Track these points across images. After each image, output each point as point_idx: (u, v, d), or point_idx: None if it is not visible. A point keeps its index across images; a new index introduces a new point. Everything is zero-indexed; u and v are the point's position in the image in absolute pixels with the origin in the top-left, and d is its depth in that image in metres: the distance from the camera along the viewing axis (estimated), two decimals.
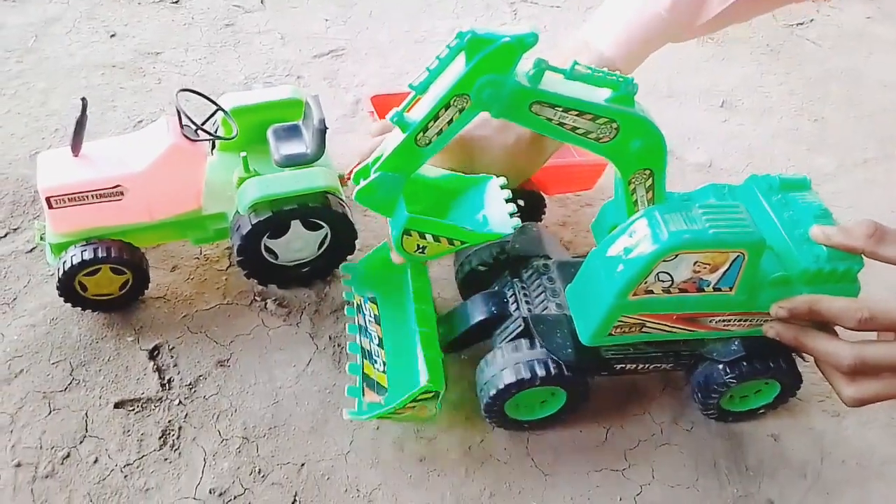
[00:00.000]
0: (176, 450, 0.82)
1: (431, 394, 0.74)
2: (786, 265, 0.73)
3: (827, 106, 1.39)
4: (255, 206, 0.87)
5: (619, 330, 0.73)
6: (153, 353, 0.90)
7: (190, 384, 0.87)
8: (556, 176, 1.02)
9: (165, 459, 0.81)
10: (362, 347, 0.80)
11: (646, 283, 0.69)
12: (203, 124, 0.88)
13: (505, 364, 0.77)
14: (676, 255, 0.66)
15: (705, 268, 0.68)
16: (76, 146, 0.86)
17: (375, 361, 0.80)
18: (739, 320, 0.74)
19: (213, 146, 0.96)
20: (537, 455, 0.83)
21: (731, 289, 0.70)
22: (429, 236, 0.73)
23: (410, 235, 0.72)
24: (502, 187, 0.79)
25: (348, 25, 1.49)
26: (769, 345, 0.74)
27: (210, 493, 0.78)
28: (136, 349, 0.90)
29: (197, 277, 0.99)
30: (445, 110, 0.64)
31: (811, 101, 1.40)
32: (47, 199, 0.85)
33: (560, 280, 0.83)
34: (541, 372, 0.76)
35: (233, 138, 0.91)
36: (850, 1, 1.68)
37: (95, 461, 0.80)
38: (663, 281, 0.69)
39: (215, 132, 0.93)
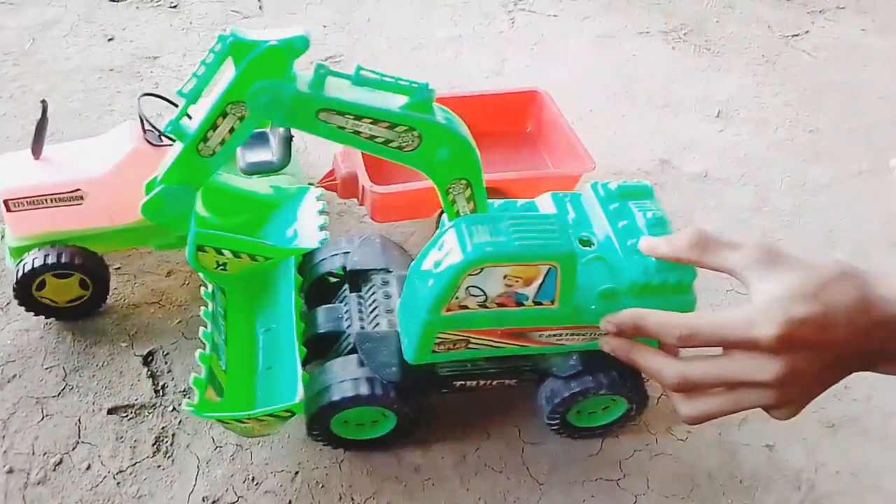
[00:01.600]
0: (169, 457, 0.81)
1: (289, 413, 0.71)
2: (616, 277, 0.69)
3: (822, 117, 1.40)
4: None
5: (442, 347, 0.70)
6: (147, 359, 0.90)
7: (184, 390, 0.87)
8: (528, 187, 1.01)
9: (159, 466, 0.80)
10: (213, 338, 0.76)
11: (457, 298, 0.65)
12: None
13: (330, 381, 0.74)
14: (482, 269, 0.63)
15: (517, 281, 0.65)
16: (37, 149, 0.86)
17: (220, 358, 0.76)
18: (571, 334, 0.71)
19: None
20: (532, 465, 0.83)
21: (552, 302, 0.67)
22: (226, 252, 0.70)
23: (206, 251, 0.70)
24: (318, 198, 0.77)
25: (346, 32, 1.49)
26: (610, 360, 0.63)
27: (203, 500, 0.78)
28: (130, 355, 0.90)
29: (192, 283, 0.98)
30: (223, 118, 0.61)
31: (806, 112, 1.41)
32: (5, 203, 0.84)
33: (397, 294, 0.80)
34: (364, 391, 0.72)
35: None
36: (846, 13, 1.69)
37: (88, 468, 0.80)
38: (476, 295, 0.65)
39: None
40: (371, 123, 0.61)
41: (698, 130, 1.34)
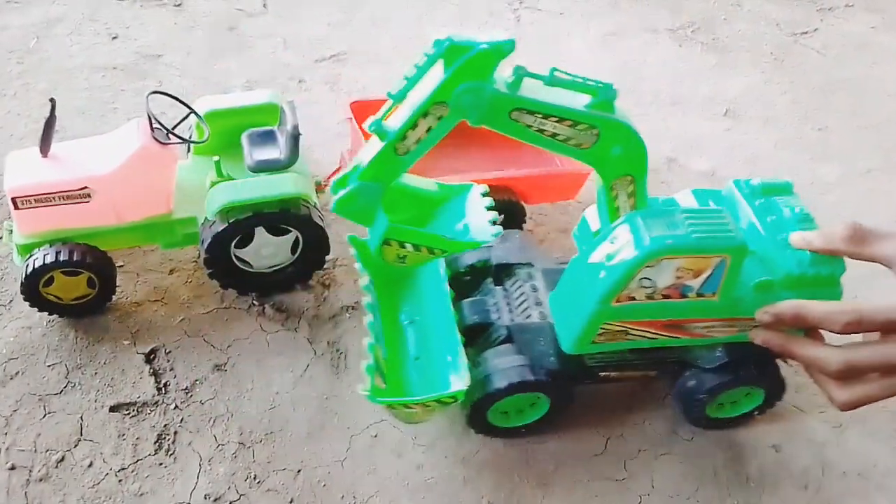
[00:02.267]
0: (171, 454, 0.81)
1: (452, 399, 0.73)
2: (769, 270, 0.72)
3: (831, 115, 1.39)
4: (224, 211, 0.86)
5: (602, 338, 0.72)
6: (150, 357, 0.89)
7: (186, 388, 0.87)
8: (537, 185, 1.01)
9: (160, 464, 0.80)
10: (376, 329, 0.78)
11: (628, 289, 0.68)
12: (175, 127, 0.88)
13: (491, 370, 0.76)
14: (659, 261, 0.66)
15: (688, 273, 0.67)
16: (45, 147, 0.86)
17: (382, 347, 0.79)
18: (724, 326, 0.73)
19: (189, 149, 0.95)
20: (536, 464, 0.82)
21: (714, 294, 0.70)
22: (409, 245, 0.72)
23: (390, 245, 0.72)
24: (483, 195, 0.79)
25: (351, 30, 1.49)
26: (753, 351, 0.71)
27: (205, 498, 0.78)
28: (133, 352, 0.90)
29: (195, 281, 0.98)
30: (424, 118, 0.63)
31: (815, 110, 1.40)
32: (13, 200, 0.84)
33: (544, 287, 0.83)
34: (527, 378, 0.75)
35: (203, 142, 0.91)
36: (855, 10, 1.67)
37: (90, 465, 0.79)
38: (646, 287, 0.68)
39: (189, 136, 0.92)
40: (556, 122, 0.64)
41: (705, 128, 1.33)
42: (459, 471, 0.81)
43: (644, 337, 0.73)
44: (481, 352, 0.79)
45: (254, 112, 0.97)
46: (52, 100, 0.85)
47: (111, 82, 1.30)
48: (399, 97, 0.63)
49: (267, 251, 0.92)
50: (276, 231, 0.90)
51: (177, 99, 0.90)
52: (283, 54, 1.40)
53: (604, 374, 0.80)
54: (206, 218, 0.88)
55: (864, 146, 1.32)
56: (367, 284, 0.81)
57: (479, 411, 0.78)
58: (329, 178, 1.02)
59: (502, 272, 0.86)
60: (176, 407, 0.85)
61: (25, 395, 0.85)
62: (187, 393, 0.86)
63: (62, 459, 0.79)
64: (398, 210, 0.76)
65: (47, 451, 0.80)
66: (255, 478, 0.79)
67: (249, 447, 0.82)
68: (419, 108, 0.62)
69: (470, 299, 0.84)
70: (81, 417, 0.83)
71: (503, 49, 0.60)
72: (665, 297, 0.69)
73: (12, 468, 0.78)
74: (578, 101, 0.64)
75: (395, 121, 0.64)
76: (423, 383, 0.77)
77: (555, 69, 0.63)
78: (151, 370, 0.88)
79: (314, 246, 0.93)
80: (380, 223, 0.70)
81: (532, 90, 0.63)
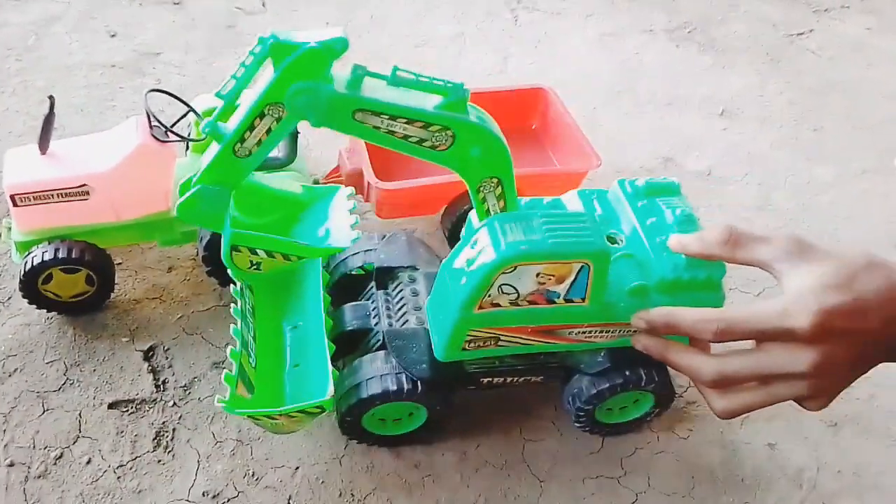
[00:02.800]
0: (169, 451, 0.81)
1: (319, 409, 0.71)
2: (645, 274, 0.70)
3: (826, 116, 1.39)
4: None
5: (472, 344, 0.70)
6: (148, 354, 0.90)
7: (185, 385, 0.87)
8: (532, 184, 1.01)
9: (159, 461, 0.80)
10: (242, 335, 0.76)
11: (490, 295, 0.65)
12: (174, 125, 0.88)
13: (361, 378, 0.75)
14: (515, 267, 0.63)
15: (550, 279, 0.65)
16: (44, 144, 0.86)
17: (250, 355, 0.76)
18: (601, 331, 0.71)
19: (187, 147, 0.96)
20: (533, 462, 0.83)
21: (583, 300, 0.67)
22: (260, 252, 0.70)
23: (240, 251, 0.70)
24: (348, 197, 0.77)
25: (349, 29, 1.48)
26: (638, 356, 0.65)
27: (203, 495, 0.78)
28: (132, 350, 0.90)
29: (193, 279, 0.98)
30: (261, 119, 0.62)
31: (811, 110, 1.41)
32: (12, 197, 0.84)
33: (425, 292, 0.80)
34: (393, 387, 0.73)
35: (202, 140, 0.91)
36: (851, 12, 1.68)
37: (88, 462, 0.80)
38: (508, 293, 0.66)
39: (188, 134, 0.93)
40: (406, 123, 0.61)
41: (702, 128, 1.33)
42: (457, 469, 0.81)
43: (518, 343, 0.71)
44: (358, 358, 0.77)
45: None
46: (50, 97, 0.85)
47: (110, 80, 1.30)
48: (229, 97, 0.61)
49: None
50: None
51: (175, 97, 0.91)
52: None
53: (486, 380, 0.78)
54: None
55: (859, 147, 1.32)
56: (238, 289, 0.78)
57: (350, 420, 0.76)
58: (328, 176, 1.02)
59: (385, 276, 0.83)
60: (174, 404, 0.85)
61: (24, 392, 0.85)
62: (186, 390, 0.86)
63: (61, 456, 0.80)
64: (262, 213, 0.74)
65: (46, 447, 0.80)
66: (253, 475, 0.80)
67: (248, 444, 0.82)
68: (253, 110, 0.61)
69: (351, 304, 0.82)
70: (80, 414, 0.83)
71: (334, 48, 0.58)
72: (531, 302, 0.67)
73: (11, 465, 0.79)
74: (430, 101, 0.62)
75: (232, 122, 0.63)
76: (296, 392, 0.75)
77: (397, 68, 0.60)
78: (150, 367, 0.88)
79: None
80: (226, 229, 0.68)
81: (374, 90, 0.61)
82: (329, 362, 0.73)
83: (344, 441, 0.83)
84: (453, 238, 1.01)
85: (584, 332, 0.71)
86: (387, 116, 0.61)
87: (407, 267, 0.83)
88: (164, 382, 0.87)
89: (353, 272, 0.85)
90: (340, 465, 0.81)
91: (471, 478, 0.81)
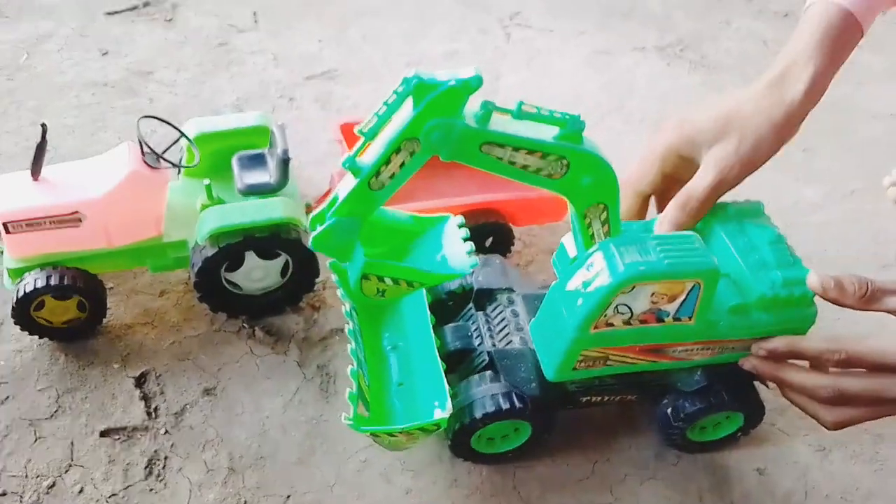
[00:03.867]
0: (161, 480, 0.81)
1: (436, 426, 0.74)
2: (743, 292, 0.74)
3: (816, 135, 1.40)
4: (214, 236, 0.87)
5: (582, 364, 0.74)
6: (140, 381, 0.90)
7: (176, 413, 0.87)
8: (525, 207, 1.02)
9: (151, 490, 0.80)
10: (357, 355, 0.78)
11: (605, 316, 0.69)
12: (166, 151, 0.89)
13: (472, 398, 0.77)
14: (633, 287, 0.68)
15: (663, 298, 0.69)
16: (36, 170, 0.87)
17: (364, 374, 0.79)
18: (701, 349, 0.75)
19: (179, 171, 0.96)
20: (523, 488, 0.83)
21: (690, 318, 0.72)
22: (387, 279, 0.73)
23: (369, 279, 0.72)
24: (460, 226, 0.80)
25: (342, 47, 1.50)
26: (732, 374, 0.75)
27: None
28: (123, 376, 0.90)
29: (185, 303, 0.98)
30: (396, 154, 0.64)
31: (800, 130, 1.41)
32: (4, 225, 0.85)
33: (524, 313, 0.84)
34: (506, 405, 0.76)
35: (194, 166, 0.92)
36: None
37: (81, 491, 0.80)
38: (622, 313, 0.70)
39: (180, 159, 0.93)
40: (527, 154, 0.65)
41: None
42: (447, 496, 0.82)
43: (624, 362, 0.75)
44: (463, 378, 0.80)
45: (244, 134, 0.98)
46: (43, 125, 0.85)
47: (101, 99, 1.30)
48: (371, 134, 0.64)
49: (257, 274, 0.92)
50: (265, 255, 0.91)
51: (168, 123, 0.91)
52: (274, 71, 1.41)
53: (585, 398, 0.81)
54: (196, 242, 0.89)
55: (849, 167, 1.34)
56: (349, 311, 0.82)
57: (461, 438, 0.79)
58: (319, 200, 1.03)
59: (483, 298, 0.86)
60: (166, 432, 0.85)
61: (16, 420, 0.85)
62: (177, 418, 0.87)
63: (53, 485, 0.80)
64: (375, 243, 0.77)
65: (38, 476, 0.80)
66: (245, 503, 0.80)
67: (239, 473, 0.82)
68: (391, 145, 0.63)
69: (452, 325, 0.85)
70: (72, 443, 0.83)
71: (471, 85, 0.61)
72: (642, 322, 0.71)
73: (3, 494, 0.79)
74: (547, 132, 0.65)
75: (369, 157, 0.65)
76: (407, 410, 0.78)
77: (522, 103, 0.64)
78: (142, 394, 0.89)
79: (304, 269, 0.94)
80: (358, 258, 0.71)
81: (500, 123, 0.64)
82: (444, 380, 0.76)
83: (335, 469, 0.83)
84: None
85: (686, 350, 0.75)
86: (510, 148, 0.64)
87: (505, 289, 0.86)
88: (155, 409, 0.87)
89: (450, 293, 0.87)
90: (332, 492, 0.81)
91: None
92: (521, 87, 1.44)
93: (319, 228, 0.68)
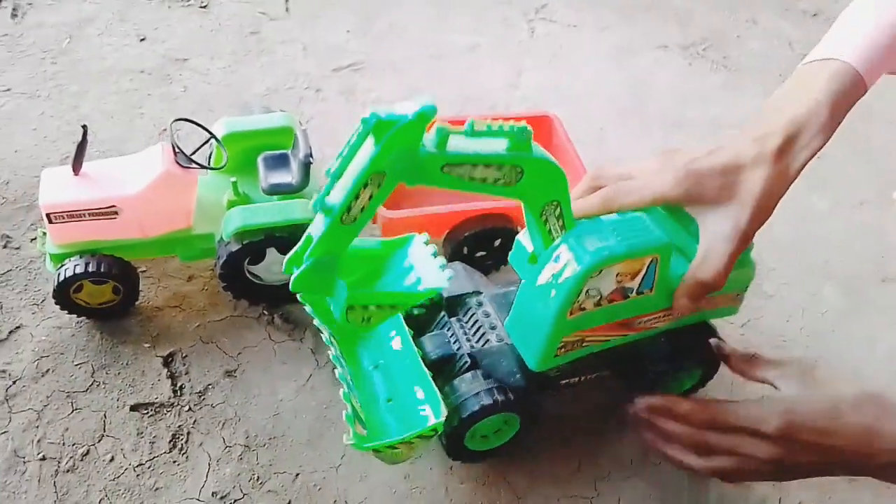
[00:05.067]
0: (184, 453, 0.89)
1: (433, 432, 0.78)
2: (690, 259, 0.79)
3: (832, 142, 1.41)
4: (238, 234, 0.94)
5: (562, 350, 0.79)
6: (167, 360, 0.98)
7: (199, 392, 0.95)
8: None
9: (174, 462, 0.89)
10: (346, 378, 0.83)
11: (578, 301, 0.75)
12: (197, 150, 0.96)
13: (462, 396, 0.82)
14: (601, 271, 0.73)
15: (626, 276, 0.75)
16: (77, 166, 0.94)
17: (355, 394, 0.83)
18: (662, 317, 0.82)
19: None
20: (513, 478, 0.90)
21: (651, 290, 0.78)
22: (371, 306, 0.75)
23: (354, 310, 0.74)
24: (426, 243, 0.83)
25: (368, 38, 1.54)
26: (689, 336, 0.86)
27: (213, 495, 0.86)
28: (152, 355, 0.98)
29: (211, 289, 1.06)
30: (365, 188, 0.66)
31: None
32: (47, 215, 0.93)
33: (494, 312, 0.89)
34: (489, 400, 0.81)
35: (222, 168, 0.98)
36: None
37: (111, 459, 0.88)
38: (593, 296, 0.76)
39: (209, 156, 1.00)
40: (484, 168, 0.68)
41: None
42: (443, 482, 0.89)
43: (598, 341, 0.82)
44: (447, 382, 0.85)
45: (270, 134, 1.04)
46: (84, 126, 0.92)
47: (139, 86, 1.36)
48: (337, 175, 0.66)
49: (277, 268, 0.99)
50: (285, 250, 0.97)
51: (199, 125, 0.97)
52: (303, 62, 1.46)
53: (564, 381, 0.87)
54: (222, 237, 0.96)
55: (861, 176, 1.35)
56: (328, 338, 0.85)
57: (455, 440, 0.84)
58: None
59: (454, 304, 0.91)
60: (189, 409, 0.93)
61: (55, 392, 0.94)
62: (200, 396, 0.94)
63: (87, 453, 0.88)
64: (346, 272, 0.77)
65: (74, 444, 0.89)
66: (257, 479, 0.88)
67: (254, 450, 0.90)
68: (358, 182, 0.65)
69: (429, 335, 0.89)
70: (105, 415, 0.92)
71: (426, 115, 0.63)
72: (610, 301, 0.77)
73: (43, 459, 0.88)
74: (498, 146, 0.69)
75: (338, 195, 0.67)
76: (401, 423, 0.83)
77: (473, 122, 0.67)
78: (169, 373, 0.96)
79: None
80: (340, 292, 0.72)
81: (456, 144, 0.67)
82: (434, 386, 0.81)
83: (341, 452, 0.90)
84: (454, 260, 1.07)
85: (650, 320, 0.82)
86: (469, 165, 0.68)
87: (473, 293, 0.92)
88: (180, 388, 0.95)
89: (422, 304, 0.91)
90: (337, 473, 0.89)
91: (455, 491, 0.88)
92: (541, 85, 1.47)
93: (298, 270, 0.69)
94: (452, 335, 0.89)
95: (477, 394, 0.82)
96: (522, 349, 0.82)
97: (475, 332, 0.88)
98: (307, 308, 0.87)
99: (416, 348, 0.86)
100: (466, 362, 0.85)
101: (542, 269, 0.77)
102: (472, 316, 0.89)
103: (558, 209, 0.75)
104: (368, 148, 0.66)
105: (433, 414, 0.80)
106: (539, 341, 0.78)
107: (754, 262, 0.85)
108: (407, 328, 0.88)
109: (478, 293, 0.92)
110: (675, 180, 0.73)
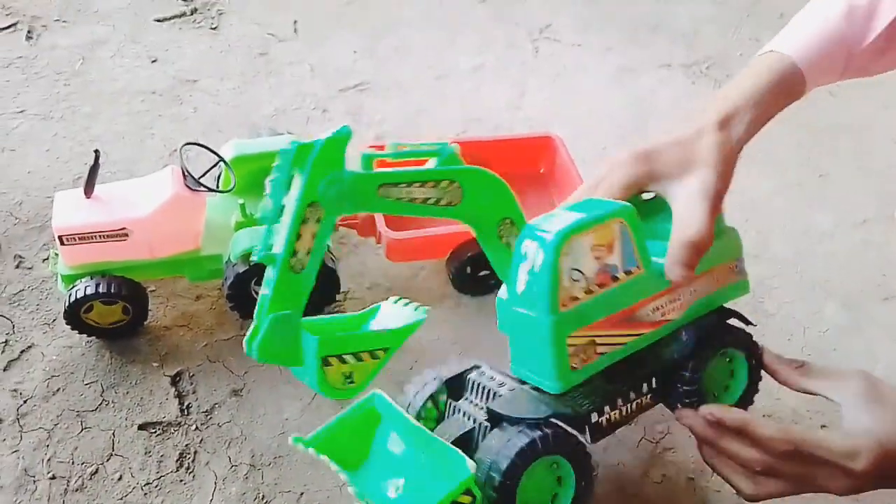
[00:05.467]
0: (190, 472, 0.91)
1: (470, 497, 0.69)
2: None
3: (833, 160, 1.43)
4: (245, 255, 0.96)
5: (576, 360, 0.72)
6: (175, 379, 1.00)
7: (206, 411, 0.96)
8: None
9: (181, 481, 0.90)
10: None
11: (565, 288, 0.69)
12: (206, 173, 0.99)
13: (496, 449, 0.72)
14: (570, 244, 0.68)
15: (603, 250, 0.71)
16: (89, 189, 0.97)
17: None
18: (669, 302, 0.76)
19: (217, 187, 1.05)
20: None
21: (638, 268, 0.73)
22: (349, 357, 0.68)
23: (331, 365, 0.67)
24: (395, 301, 0.79)
25: (375, 58, 1.56)
26: (710, 321, 0.79)
27: None
28: (161, 374, 1.00)
29: (218, 308, 1.08)
30: (304, 225, 0.63)
31: (818, 154, 1.44)
32: (60, 237, 0.95)
33: (500, 375, 0.81)
34: (537, 433, 0.71)
35: (230, 190, 1.00)
36: None
37: (120, 478, 0.90)
38: (577, 280, 0.70)
39: (218, 179, 1.02)
40: (420, 186, 0.67)
41: None
42: None
43: (612, 343, 0.74)
44: (475, 455, 0.74)
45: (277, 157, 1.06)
46: (96, 151, 0.95)
47: (150, 107, 1.39)
48: (273, 217, 0.64)
49: None
50: None
51: (208, 149, 1.00)
52: (311, 83, 1.48)
53: (603, 418, 0.77)
54: (229, 258, 0.98)
55: (862, 194, 1.36)
56: (338, 469, 0.74)
57: (505, 499, 0.72)
58: (343, 220, 1.10)
59: (456, 386, 0.83)
60: (196, 428, 0.95)
61: (65, 411, 0.95)
62: (207, 416, 0.96)
63: (96, 472, 0.90)
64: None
65: (83, 463, 0.91)
66: (263, 498, 0.89)
67: (259, 469, 0.91)
68: (295, 217, 0.63)
69: (442, 423, 0.81)
70: (114, 434, 0.94)
71: (343, 134, 0.63)
72: (601, 285, 0.72)
73: (53, 478, 0.89)
74: (430, 164, 0.69)
75: (279, 240, 0.65)
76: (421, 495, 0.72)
77: (396, 143, 0.68)
78: (176, 392, 0.98)
79: (326, 283, 1.02)
80: (310, 346, 0.66)
81: (383, 168, 0.67)
82: (455, 448, 0.71)
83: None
84: (457, 280, 1.09)
85: (658, 309, 0.76)
86: (404, 184, 0.66)
87: (472, 367, 0.84)
88: (188, 407, 0.97)
89: (423, 406, 0.82)
90: (341, 493, 0.90)
91: None
92: (544, 106, 1.49)
93: (258, 338, 0.65)
94: (464, 414, 0.80)
95: (509, 440, 0.72)
96: (536, 374, 0.74)
97: (486, 398, 0.79)
98: (300, 448, 0.74)
99: (432, 435, 0.75)
100: (486, 426, 0.76)
101: (516, 278, 0.71)
102: (478, 387, 0.81)
103: (513, 227, 0.72)
104: (296, 182, 0.65)
105: (460, 471, 0.69)
106: (545, 349, 0.71)
107: (736, 230, 0.81)
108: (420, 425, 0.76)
109: (477, 366, 0.84)
110: (637, 161, 0.74)
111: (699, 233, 0.71)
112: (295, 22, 1.64)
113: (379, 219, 1.04)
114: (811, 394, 0.70)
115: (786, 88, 0.79)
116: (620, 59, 1.63)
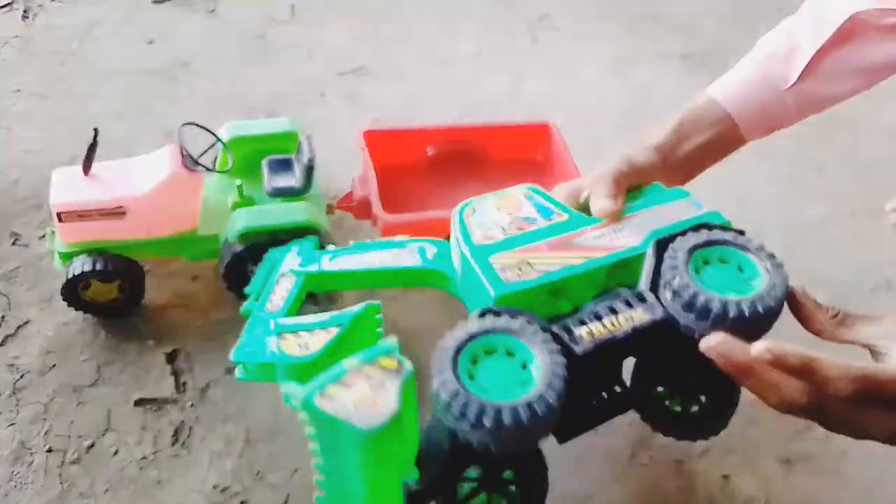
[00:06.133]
0: (186, 447, 0.92)
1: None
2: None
3: (828, 153, 1.44)
4: (242, 235, 0.97)
5: (509, 273, 0.68)
6: (171, 357, 1.00)
7: (202, 388, 0.97)
8: None
9: (176, 456, 0.91)
10: None
11: (475, 231, 0.73)
12: (204, 153, 1.00)
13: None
14: (472, 206, 0.76)
15: (509, 208, 0.75)
16: (87, 167, 0.97)
17: None
18: (616, 231, 0.73)
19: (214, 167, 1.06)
20: None
21: (558, 215, 0.74)
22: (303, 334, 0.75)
23: (285, 339, 0.74)
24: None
25: (373, 43, 1.57)
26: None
27: (214, 488, 0.89)
28: (157, 352, 1.01)
29: (214, 288, 1.08)
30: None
31: (813, 146, 1.45)
32: (58, 214, 0.95)
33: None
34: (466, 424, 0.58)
35: (227, 170, 1.01)
36: None
37: (116, 452, 0.91)
38: (490, 228, 0.73)
39: (215, 159, 1.04)
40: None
41: None
42: None
43: (554, 262, 0.70)
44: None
45: (275, 139, 1.07)
46: (95, 129, 0.95)
47: (146, 87, 1.39)
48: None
49: None
50: None
51: (206, 129, 1.00)
52: (308, 66, 1.48)
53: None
54: (226, 238, 0.98)
55: (855, 186, 1.37)
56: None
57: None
58: (341, 201, 1.11)
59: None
60: (192, 405, 0.96)
61: (62, 385, 0.96)
62: (202, 393, 0.97)
63: (92, 446, 0.91)
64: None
65: (79, 437, 0.92)
66: (257, 473, 0.90)
67: (254, 445, 0.92)
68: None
69: None
70: (110, 409, 0.94)
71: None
72: (519, 229, 0.73)
73: (49, 451, 0.90)
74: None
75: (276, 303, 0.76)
76: None
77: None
78: (172, 370, 0.99)
79: None
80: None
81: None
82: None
83: None
84: None
85: (602, 237, 0.72)
86: None
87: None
88: (183, 384, 0.98)
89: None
90: None
91: None
92: (542, 94, 1.49)
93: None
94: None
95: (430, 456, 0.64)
96: (482, 297, 0.69)
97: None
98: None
99: None
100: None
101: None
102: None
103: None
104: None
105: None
106: (472, 272, 0.70)
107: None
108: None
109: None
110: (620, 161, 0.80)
111: (610, 168, 0.77)
112: (293, 5, 1.64)
113: (375, 201, 1.04)
114: (851, 343, 0.60)
115: (702, 121, 0.88)
116: (618, 50, 1.63)
